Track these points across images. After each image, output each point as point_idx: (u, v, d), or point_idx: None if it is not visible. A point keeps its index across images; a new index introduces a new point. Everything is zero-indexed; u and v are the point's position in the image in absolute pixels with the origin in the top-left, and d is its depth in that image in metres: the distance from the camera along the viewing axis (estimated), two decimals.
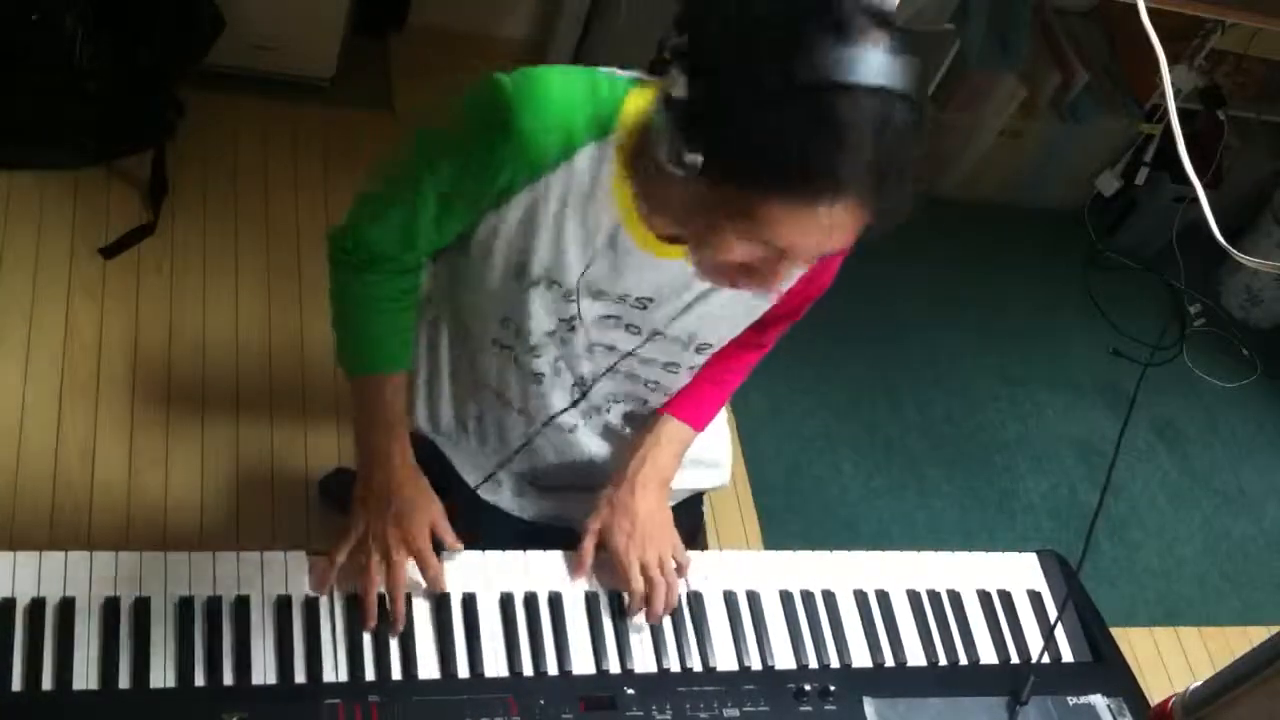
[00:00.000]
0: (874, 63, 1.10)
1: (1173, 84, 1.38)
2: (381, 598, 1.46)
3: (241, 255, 2.92)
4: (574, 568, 1.57)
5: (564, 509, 1.74)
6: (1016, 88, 3.49)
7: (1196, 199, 1.33)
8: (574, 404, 1.62)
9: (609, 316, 1.49)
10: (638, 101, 1.33)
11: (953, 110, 3.51)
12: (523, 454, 1.70)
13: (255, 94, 3.20)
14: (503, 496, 1.75)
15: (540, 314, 1.46)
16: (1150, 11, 1.31)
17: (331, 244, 1.54)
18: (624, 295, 1.46)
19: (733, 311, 1.52)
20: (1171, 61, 3.25)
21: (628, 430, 1.71)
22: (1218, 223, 1.32)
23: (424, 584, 1.50)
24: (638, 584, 1.55)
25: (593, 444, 1.69)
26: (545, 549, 1.58)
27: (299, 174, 3.12)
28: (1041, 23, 3.65)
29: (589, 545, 1.58)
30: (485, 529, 1.71)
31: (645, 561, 1.56)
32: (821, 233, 1.17)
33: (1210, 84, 3.63)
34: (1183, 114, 3.45)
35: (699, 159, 1.15)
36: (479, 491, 1.74)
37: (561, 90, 1.32)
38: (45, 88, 2.73)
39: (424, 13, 3.49)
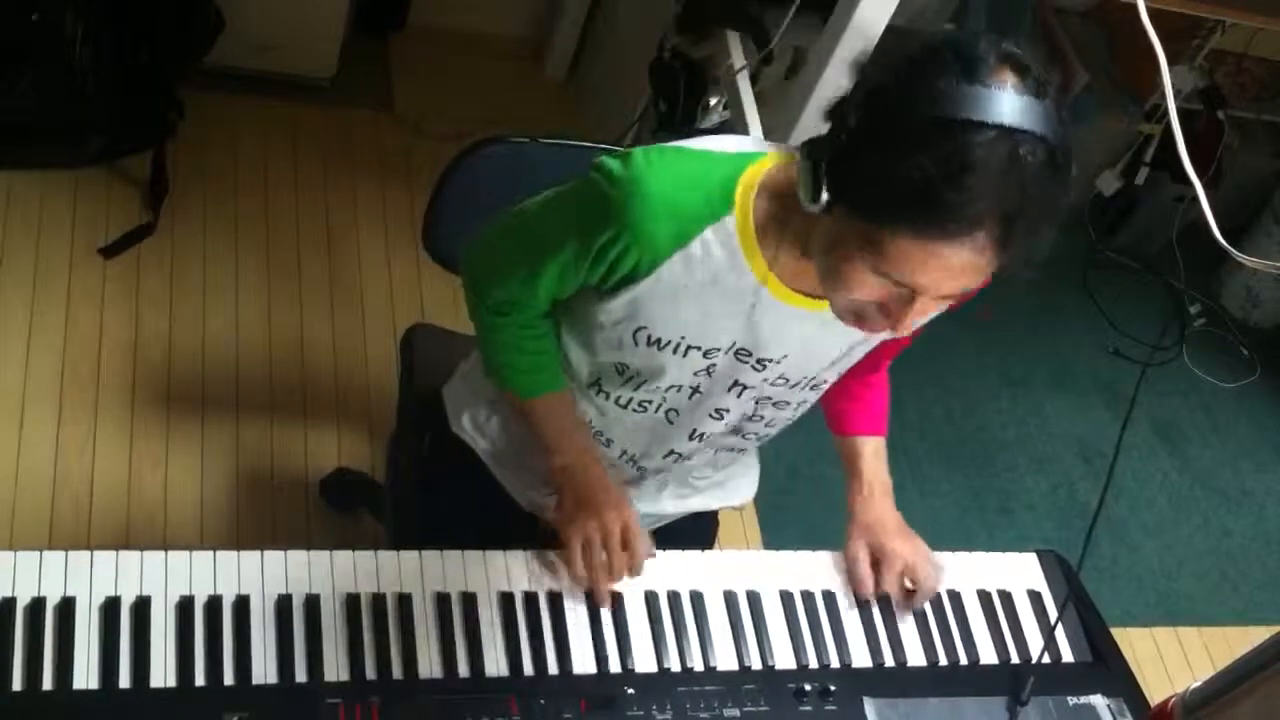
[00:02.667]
0: (1005, 103, 1.13)
1: (1173, 84, 1.39)
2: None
3: (241, 255, 2.92)
4: (857, 587, 1.64)
5: None
6: None
7: (1196, 199, 1.33)
8: (672, 453, 1.66)
9: (748, 374, 1.52)
10: (755, 173, 1.36)
11: None
12: None
13: (255, 94, 3.20)
14: (543, 504, 1.77)
15: (669, 370, 1.51)
16: (1150, 11, 1.31)
17: (468, 291, 1.62)
18: (761, 357, 1.50)
19: (852, 350, 1.55)
20: (1171, 61, 3.25)
21: (701, 481, 1.77)
22: (1218, 223, 1.32)
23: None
24: (895, 585, 1.63)
25: (659, 495, 1.74)
26: None
27: (299, 174, 3.12)
28: (1041, 23, 3.65)
29: (864, 562, 1.64)
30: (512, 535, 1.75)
31: (907, 566, 1.64)
32: (948, 271, 1.19)
33: (1210, 84, 3.63)
34: (1183, 114, 3.44)
35: (829, 196, 1.21)
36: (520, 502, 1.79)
37: (670, 182, 1.35)
38: (45, 88, 2.73)
39: (424, 13, 3.50)
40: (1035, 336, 3.59)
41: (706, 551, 1.64)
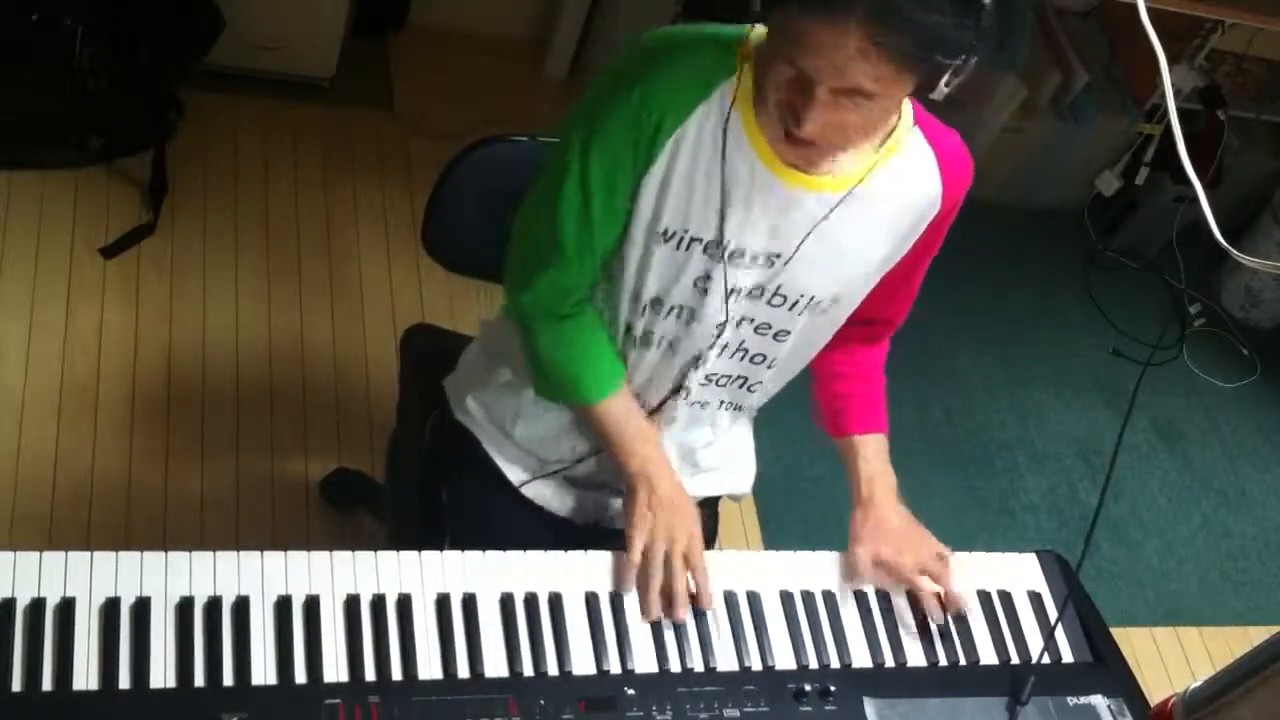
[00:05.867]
0: None
1: (1173, 84, 1.38)
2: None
3: (241, 255, 2.92)
4: (851, 581, 1.64)
5: (603, 506, 1.79)
6: (1016, 88, 3.49)
7: (1196, 199, 1.33)
8: (677, 390, 1.66)
9: (741, 278, 1.53)
10: (750, 41, 1.43)
11: (952, 110, 3.51)
12: (586, 460, 1.74)
13: (255, 94, 3.20)
14: (544, 492, 1.78)
15: (669, 275, 1.53)
16: (1150, 11, 1.31)
17: (527, 311, 1.62)
18: (755, 253, 1.51)
19: (850, 263, 1.56)
20: (1171, 61, 3.25)
21: (708, 441, 1.76)
22: (1218, 223, 1.32)
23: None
24: (926, 592, 1.64)
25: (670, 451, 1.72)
26: (578, 544, 1.59)
27: (299, 174, 3.12)
28: (1041, 23, 3.65)
29: (867, 565, 1.64)
30: (513, 522, 1.77)
31: (921, 569, 1.65)
32: (833, 57, 1.25)
33: (1210, 84, 3.63)
34: (1183, 114, 3.46)
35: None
36: (522, 489, 1.78)
37: (689, 33, 1.46)
38: (45, 88, 2.73)
39: (424, 13, 3.50)
40: (1035, 336, 3.59)
41: (707, 551, 1.64)
